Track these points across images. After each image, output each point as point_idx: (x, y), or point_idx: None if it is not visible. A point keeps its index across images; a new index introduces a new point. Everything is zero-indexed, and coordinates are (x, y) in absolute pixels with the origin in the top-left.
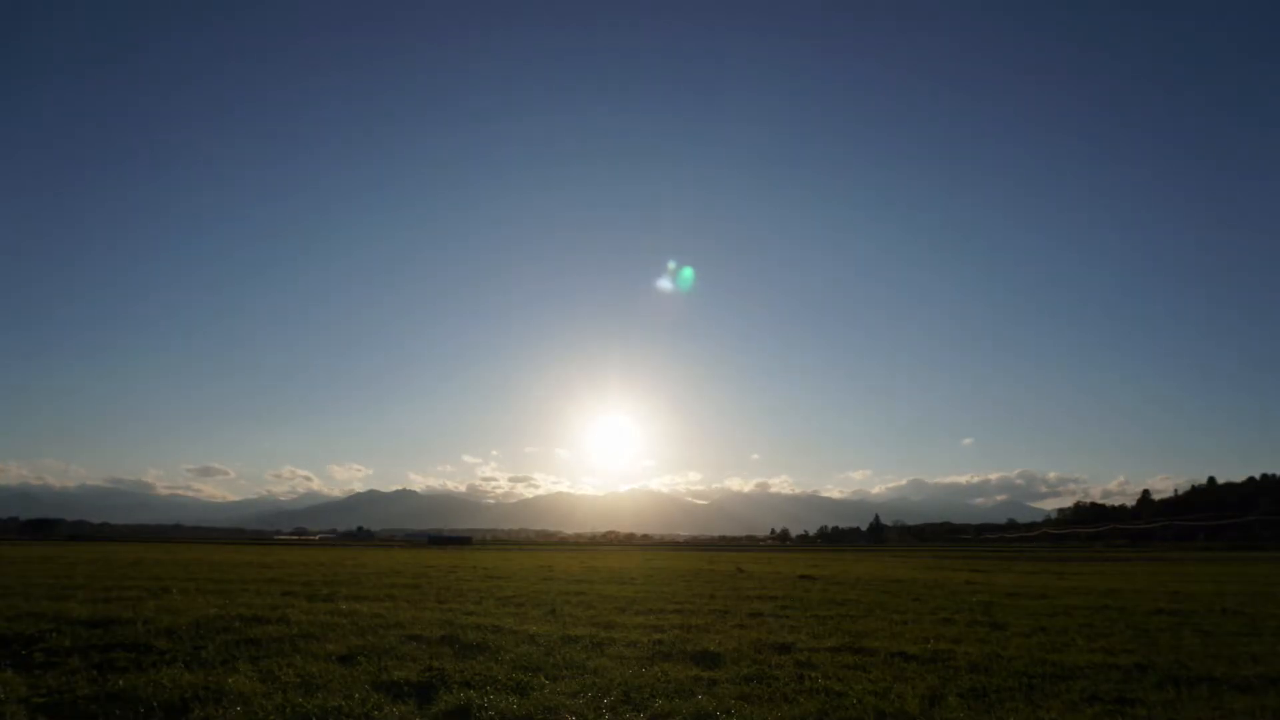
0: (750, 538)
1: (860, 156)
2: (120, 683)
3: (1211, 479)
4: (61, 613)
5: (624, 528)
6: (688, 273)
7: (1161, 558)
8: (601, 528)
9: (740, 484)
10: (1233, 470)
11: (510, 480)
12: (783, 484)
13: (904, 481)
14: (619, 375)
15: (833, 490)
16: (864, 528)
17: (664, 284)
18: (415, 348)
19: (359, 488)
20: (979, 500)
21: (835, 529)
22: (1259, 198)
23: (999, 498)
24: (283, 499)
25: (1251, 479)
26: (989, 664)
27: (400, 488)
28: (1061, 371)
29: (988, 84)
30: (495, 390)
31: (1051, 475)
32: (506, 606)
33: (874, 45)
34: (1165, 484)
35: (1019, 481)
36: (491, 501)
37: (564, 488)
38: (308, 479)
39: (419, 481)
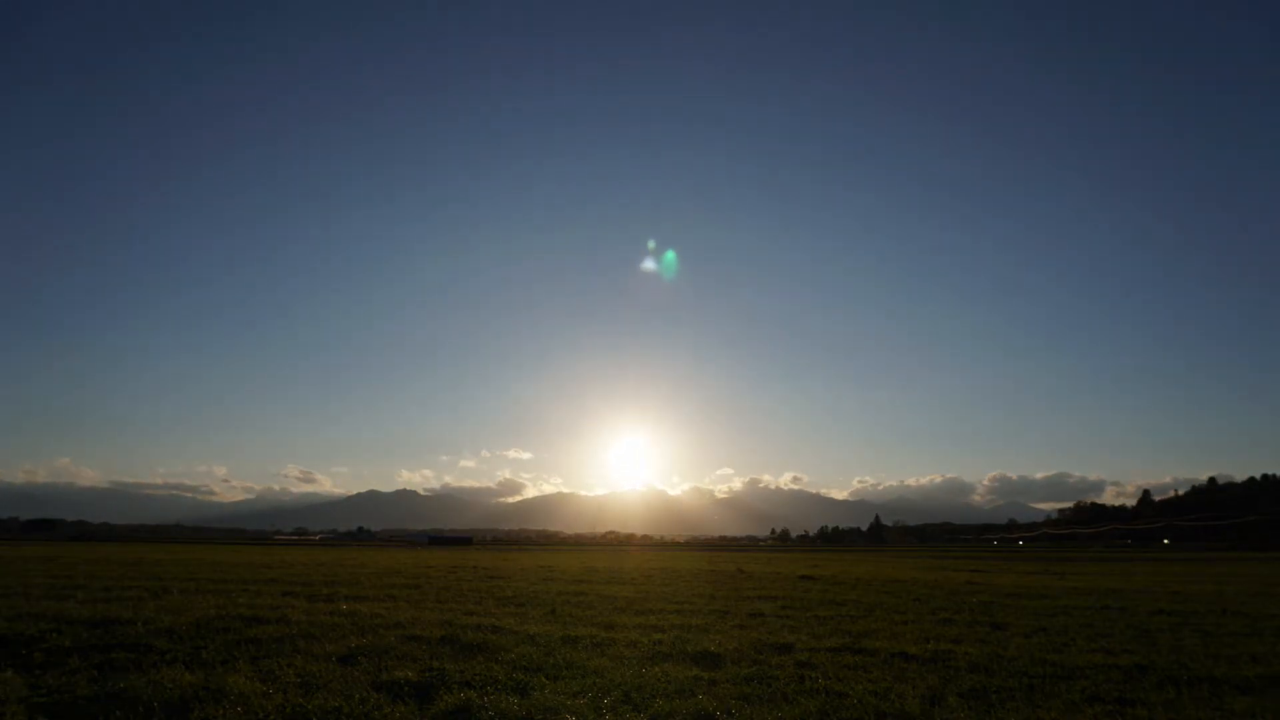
0: (750, 538)
1: (863, 148)
2: (120, 683)
3: (1211, 479)
4: (61, 613)
5: (624, 528)
6: (670, 256)
7: (1161, 558)
8: (602, 528)
9: (741, 484)
10: (1233, 470)
11: (511, 480)
12: (783, 484)
13: (904, 481)
14: (618, 373)
15: (833, 490)
16: (864, 528)
17: (648, 265)
18: (415, 347)
19: (359, 488)
20: (979, 500)
21: (835, 529)
22: (1259, 196)
23: (999, 498)
24: (283, 499)
25: (1252, 479)
26: (990, 664)
27: (400, 488)
28: (1063, 372)
29: (988, 76)
30: (495, 389)
31: (1052, 475)
32: (506, 606)
33: (872, 35)
34: (1165, 484)
35: (1019, 482)
36: (492, 501)
37: (564, 488)
38: (308, 479)
39: (419, 481)
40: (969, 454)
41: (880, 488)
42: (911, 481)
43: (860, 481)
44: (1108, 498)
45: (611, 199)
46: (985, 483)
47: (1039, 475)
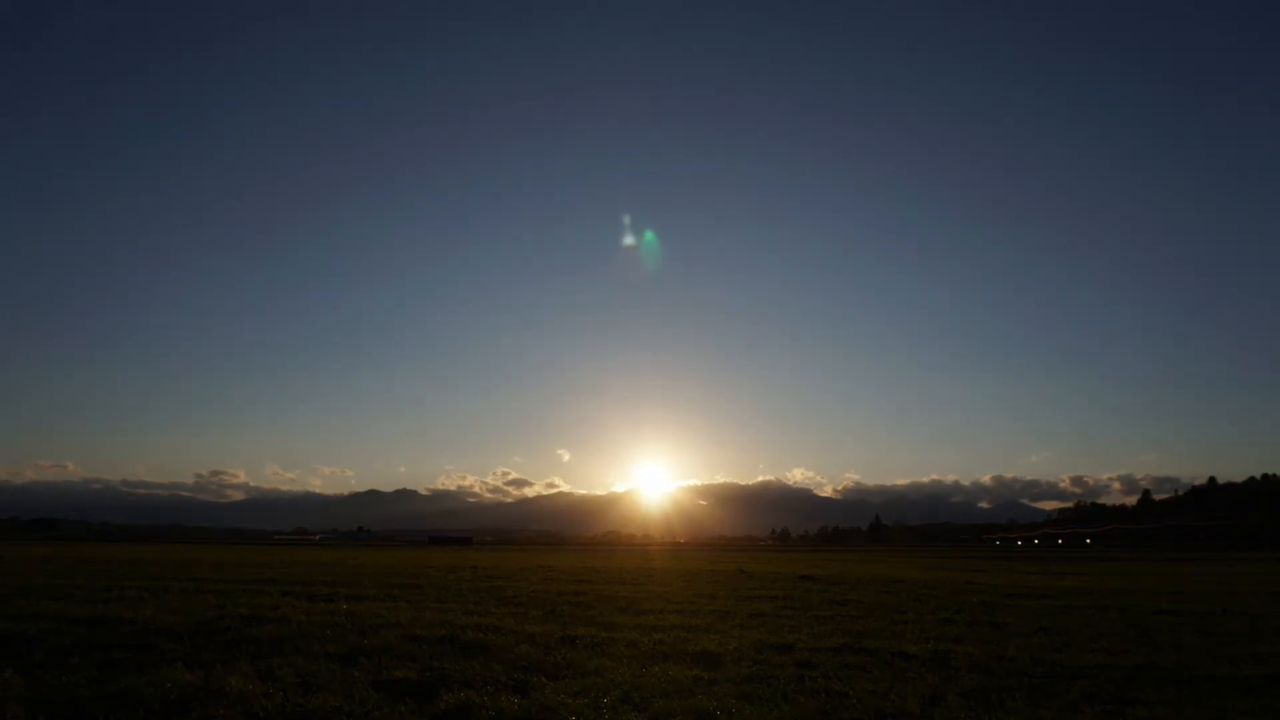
0: (750, 538)
1: (862, 141)
2: (121, 683)
3: (1212, 479)
4: (62, 613)
5: (624, 528)
6: (650, 237)
7: (1162, 558)
8: (603, 528)
9: (741, 483)
10: (1233, 470)
11: (511, 480)
12: (784, 483)
13: (905, 481)
14: (620, 371)
15: (833, 490)
16: (864, 527)
17: (632, 244)
18: (415, 346)
19: (359, 488)
20: (979, 500)
21: (836, 529)
22: (1260, 194)
23: (1000, 498)
24: (282, 499)
25: (1252, 479)
26: (990, 664)
27: (400, 487)
28: (1063, 370)
29: (991, 69)
30: (494, 389)
31: (1052, 475)
32: (506, 606)
33: (870, 19)
34: (1166, 484)
35: (1019, 481)
36: (492, 501)
37: (564, 488)
38: (308, 479)
39: (419, 481)
40: (970, 454)
41: (881, 487)
42: (912, 481)
43: (861, 481)
44: (1108, 498)
45: (608, 192)
46: (986, 482)
47: (1039, 475)
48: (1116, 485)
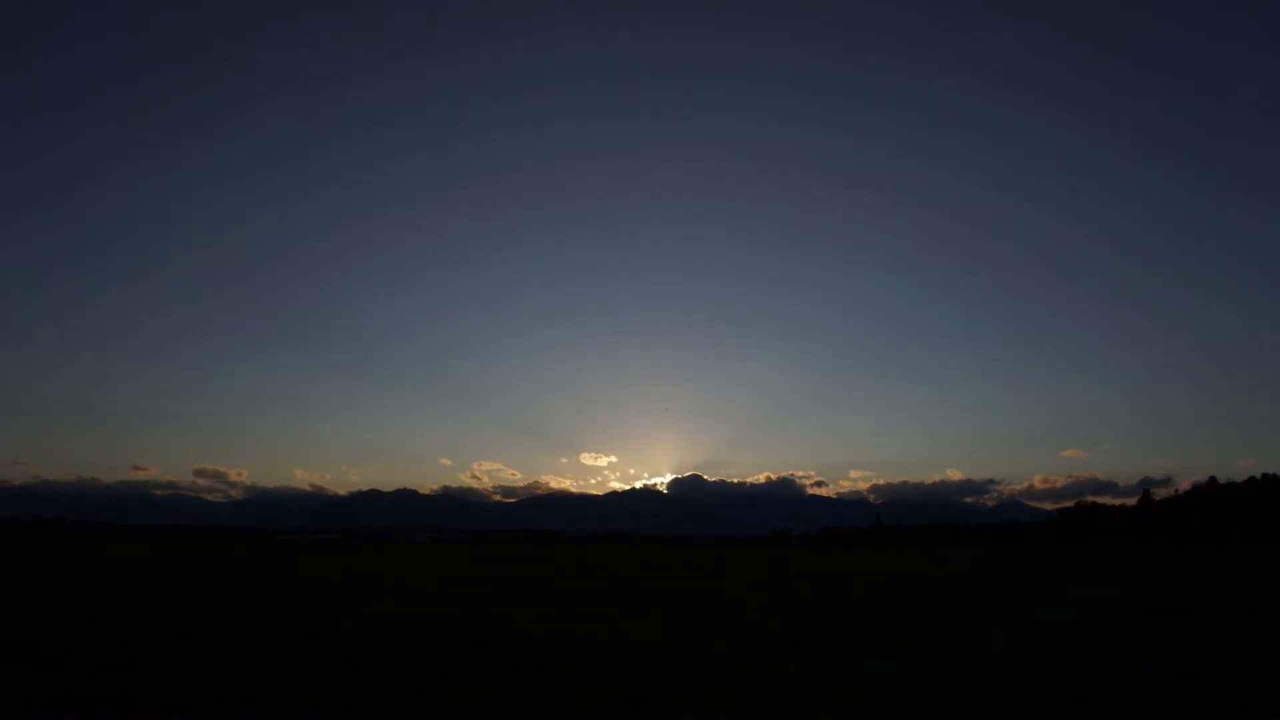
0: (751, 537)
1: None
2: (120, 682)
3: (1212, 479)
4: (64, 612)
5: (625, 527)
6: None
7: (1163, 558)
8: (603, 528)
9: (742, 482)
10: (1233, 470)
11: (511, 479)
12: (785, 482)
13: (906, 481)
14: (618, 368)
15: (833, 489)
16: (864, 527)
17: (644, 247)
18: (412, 345)
19: (359, 487)
20: (980, 499)
21: (836, 529)
22: (1261, 191)
23: (1000, 498)
24: (283, 498)
25: (1252, 479)
26: (986, 662)
27: (401, 486)
28: (1061, 369)
29: (998, 58)
30: (493, 387)
31: (1053, 476)
32: (507, 605)
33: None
34: (1166, 483)
35: (1020, 482)
36: (493, 501)
37: (565, 486)
38: (309, 478)
39: (420, 481)
40: (972, 454)
41: (882, 486)
42: (914, 481)
43: (863, 480)
44: (1108, 497)
45: (608, 186)
46: (987, 483)
47: (1040, 476)
48: (1116, 485)
